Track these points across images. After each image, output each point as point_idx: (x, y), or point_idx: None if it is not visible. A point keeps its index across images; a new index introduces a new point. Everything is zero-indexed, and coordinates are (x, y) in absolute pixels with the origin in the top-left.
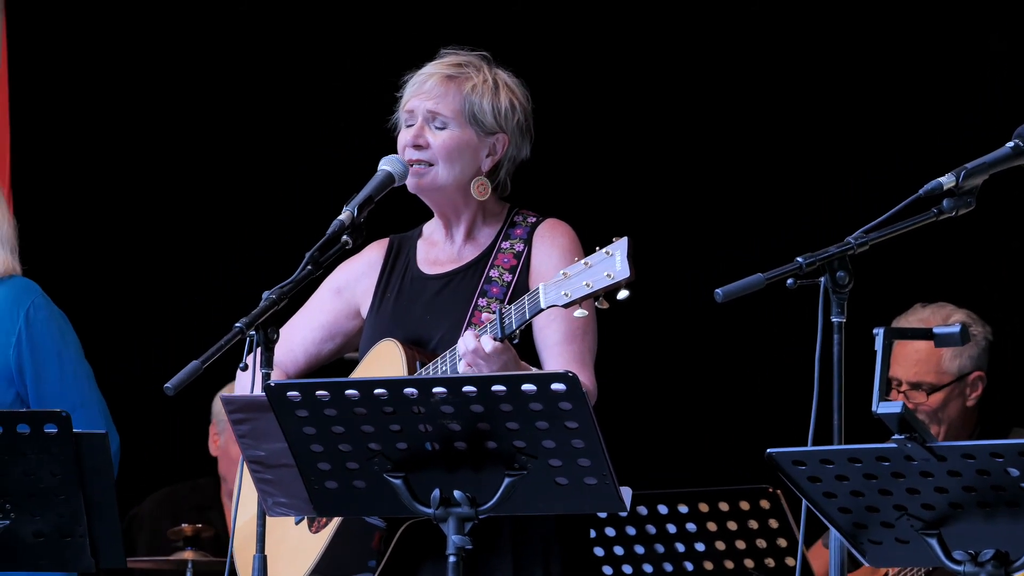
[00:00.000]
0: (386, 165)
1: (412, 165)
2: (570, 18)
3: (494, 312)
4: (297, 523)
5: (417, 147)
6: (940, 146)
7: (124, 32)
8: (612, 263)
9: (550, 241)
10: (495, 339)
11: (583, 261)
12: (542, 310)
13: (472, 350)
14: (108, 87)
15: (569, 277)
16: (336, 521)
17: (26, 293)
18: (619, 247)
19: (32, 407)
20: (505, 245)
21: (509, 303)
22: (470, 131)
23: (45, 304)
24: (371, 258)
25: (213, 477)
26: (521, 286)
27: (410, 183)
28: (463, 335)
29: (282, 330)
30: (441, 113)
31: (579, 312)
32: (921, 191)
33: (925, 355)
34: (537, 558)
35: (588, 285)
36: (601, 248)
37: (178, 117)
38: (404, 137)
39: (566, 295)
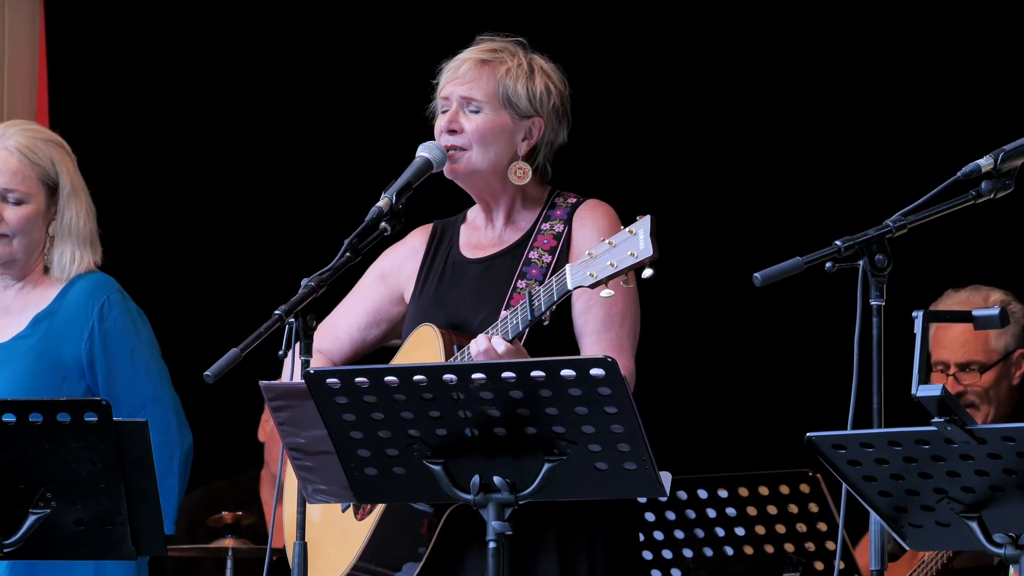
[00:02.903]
0: (424, 152)
1: (448, 151)
2: (573, 24)
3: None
4: (343, 510)
5: (452, 132)
6: (940, 147)
7: (133, 35)
8: (636, 242)
9: (591, 222)
10: (506, 339)
11: (607, 241)
12: (569, 291)
13: (484, 351)
14: (116, 90)
15: (594, 257)
16: (381, 508)
17: (102, 289)
18: (642, 226)
19: None
20: (545, 227)
21: (539, 287)
22: (504, 115)
23: (120, 300)
24: (415, 244)
25: (254, 471)
26: (561, 266)
27: (446, 169)
28: (475, 339)
29: (327, 318)
30: (475, 98)
31: (605, 292)
32: (959, 173)
33: (972, 335)
34: (581, 541)
35: (613, 265)
36: (625, 228)
37: (179, 118)
38: (439, 123)
39: (592, 275)
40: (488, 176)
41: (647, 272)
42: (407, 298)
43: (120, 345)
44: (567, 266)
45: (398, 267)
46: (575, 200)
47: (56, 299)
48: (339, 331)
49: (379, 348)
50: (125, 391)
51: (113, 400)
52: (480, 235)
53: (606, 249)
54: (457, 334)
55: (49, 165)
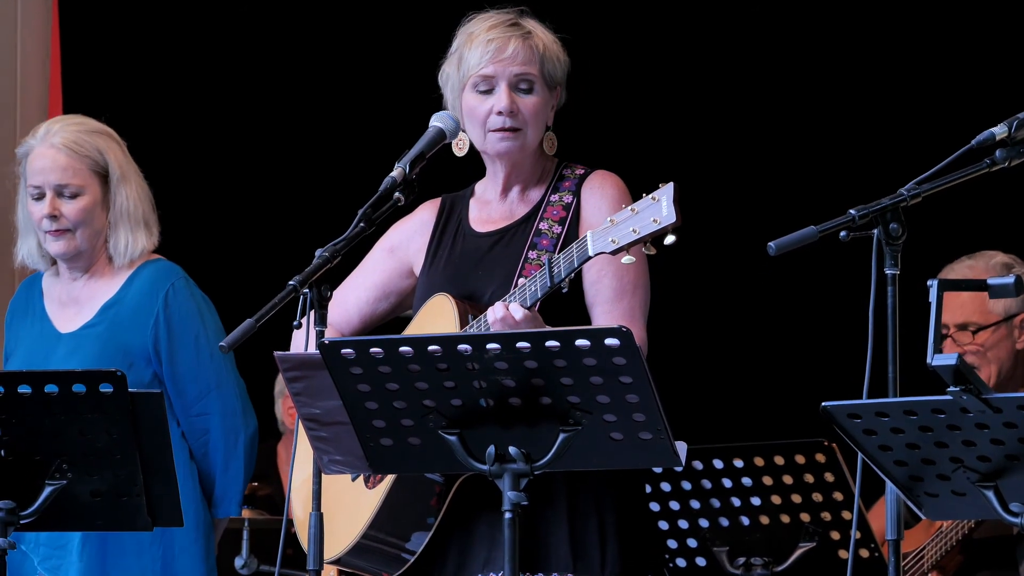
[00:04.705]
0: (437, 122)
1: (498, 132)
2: None
3: (543, 263)
4: (353, 479)
5: (511, 114)
6: (954, 115)
7: (145, 21)
8: (659, 208)
9: (600, 192)
10: (524, 307)
11: (630, 207)
12: (590, 257)
13: (501, 318)
14: (129, 75)
15: (616, 224)
16: (391, 477)
17: (166, 276)
18: (665, 193)
19: (167, 387)
20: (554, 198)
21: (558, 253)
22: (546, 90)
23: (185, 287)
24: (423, 217)
25: (268, 444)
26: (571, 237)
27: (500, 147)
28: (493, 306)
29: (336, 291)
30: (530, 74)
31: (627, 258)
32: (973, 142)
33: (969, 297)
34: (591, 509)
35: (635, 231)
36: (647, 194)
37: (191, 94)
38: (487, 104)
39: (613, 242)
40: (530, 152)
41: (669, 239)
42: (416, 271)
43: (185, 331)
44: (588, 232)
45: (407, 241)
46: (583, 171)
47: (123, 287)
48: (348, 304)
49: (393, 318)
50: (189, 376)
51: (177, 385)
52: (491, 209)
53: (628, 216)
54: (471, 304)
55: (97, 154)
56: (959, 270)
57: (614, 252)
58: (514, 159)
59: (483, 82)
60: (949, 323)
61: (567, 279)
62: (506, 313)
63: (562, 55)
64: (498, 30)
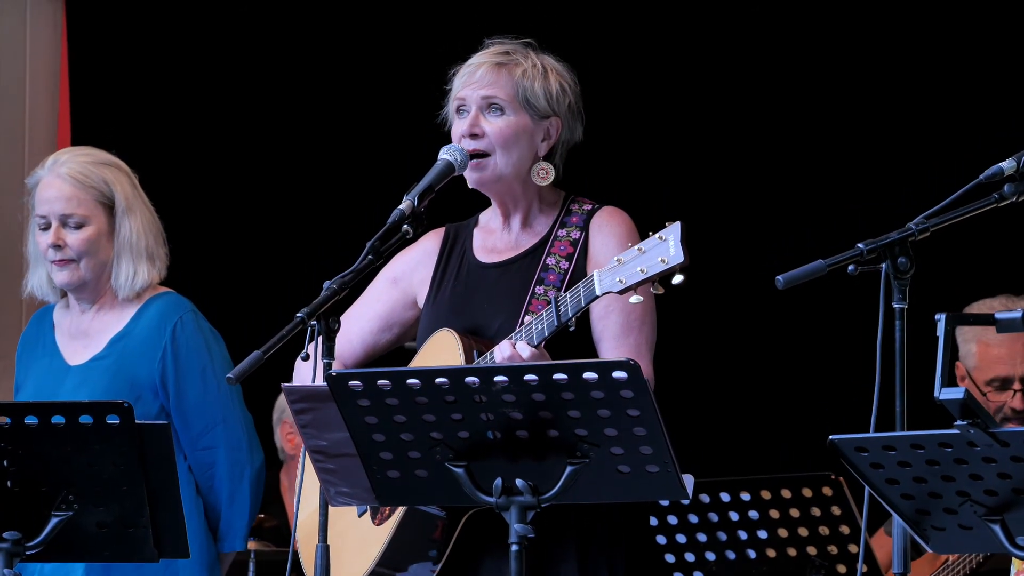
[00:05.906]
0: (446, 154)
1: (471, 157)
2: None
3: (551, 299)
4: (360, 515)
5: (473, 136)
6: (962, 150)
7: (154, 43)
8: (666, 248)
9: (607, 229)
10: (531, 345)
11: (636, 247)
12: (597, 297)
13: (508, 357)
14: (137, 95)
15: (623, 263)
16: (399, 513)
17: (175, 310)
18: (672, 232)
19: (174, 420)
20: (561, 233)
21: (565, 291)
22: (525, 116)
23: (193, 320)
24: (427, 247)
25: (271, 473)
26: (578, 273)
27: (471, 178)
28: (499, 345)
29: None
30: (497, 97)
31: (635, 298)
32: (982, 176)
33: None
34: (602, 545)
35: (642, 271)
36: (654, 234)
37: (201, 123)
38: (459, 127)
39: (620, 281)
40: (511, 180)
41: (677, 278)
42: (420, 302)
43: (191, 365)
44: (595, 272)
45: (411, 271)
46: (591, 207)
47: (132, 320)
48: (351, 335)
49: (396, 349)
50: (196, 410)
51: (183, 419)
52: (495, 238)
53: (635, 255)
54: (476, 340)
55: (103, 185)
56: (982, 307)
57: (621, 292)
58: (493, 189)
59: (460, 106)
60: (1013, 375)
61: (574, 318)
62: (513, 352)
63: (555, 86)
64: (482, 57)
